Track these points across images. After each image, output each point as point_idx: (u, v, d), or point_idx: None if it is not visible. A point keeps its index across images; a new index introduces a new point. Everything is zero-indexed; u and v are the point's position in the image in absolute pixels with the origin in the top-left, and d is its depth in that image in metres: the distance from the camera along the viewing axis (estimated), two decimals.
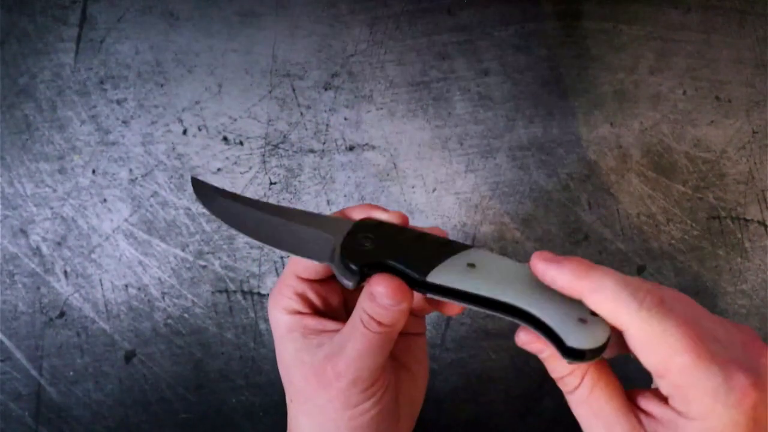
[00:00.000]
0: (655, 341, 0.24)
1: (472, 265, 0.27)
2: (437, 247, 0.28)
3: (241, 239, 0.46)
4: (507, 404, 0.45)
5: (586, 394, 0.26)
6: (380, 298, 0.27)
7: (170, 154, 0.46)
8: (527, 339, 0.27)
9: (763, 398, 0.23)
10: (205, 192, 0.32)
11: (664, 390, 0.25)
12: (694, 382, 0.23)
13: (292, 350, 0.31)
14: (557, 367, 0.27)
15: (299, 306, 0.31)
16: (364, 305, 0.28)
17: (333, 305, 0.32)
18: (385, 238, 0.29)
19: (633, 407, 0.26)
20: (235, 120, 0.46)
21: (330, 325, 0.30)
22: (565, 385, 0.27)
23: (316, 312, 0.31)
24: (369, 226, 0.29)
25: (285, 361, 0.31)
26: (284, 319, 0.31)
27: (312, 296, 0.31)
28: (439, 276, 0.27)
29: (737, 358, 0.23)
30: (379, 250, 0.28)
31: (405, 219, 0.30)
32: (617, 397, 0.26)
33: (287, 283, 0.31)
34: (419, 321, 0.33)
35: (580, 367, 0.26)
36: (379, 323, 0.28)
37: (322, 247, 0.29)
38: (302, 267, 0.31)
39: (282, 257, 0.46)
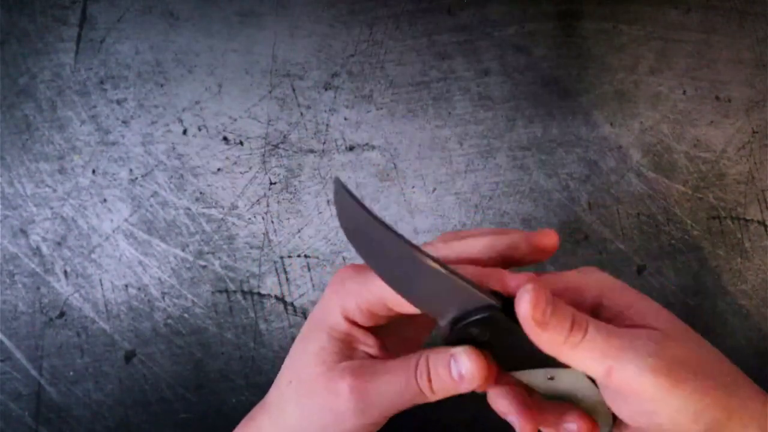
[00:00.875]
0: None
1: (551, 378, 0.28)
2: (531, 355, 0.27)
3: (241, 239, 0.46)
4: None
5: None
6: (467, 381, 0.27)
7: (170, 154, 0.46)
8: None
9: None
10: (344, 200, 0.27)
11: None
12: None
13: (318, 346, 0.30)
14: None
15: (359, 317, 0.30)
16: (436, 369, 0.27)
17: (381, 323, 0.31)
18: (498, 335, 0.27)
19: None
20: (235, 120, 0.46)
21: (370, 343, 0.30)
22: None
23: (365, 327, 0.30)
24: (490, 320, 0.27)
25: (305, 350, 0.30)
26: (335, 318, 0.30)
27: (376, 313, 0.30)
28: (520, 375, 0.28)
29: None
30: (486, 343, 0.27)
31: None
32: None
33: (364, 292, 0.29)
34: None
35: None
36: (434, 392, 0.28)
37: (445, 308, 0.27)
38: (395, 300, 0.28)
39: (282, 257, 0.46)
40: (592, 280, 0.29)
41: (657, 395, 0.25)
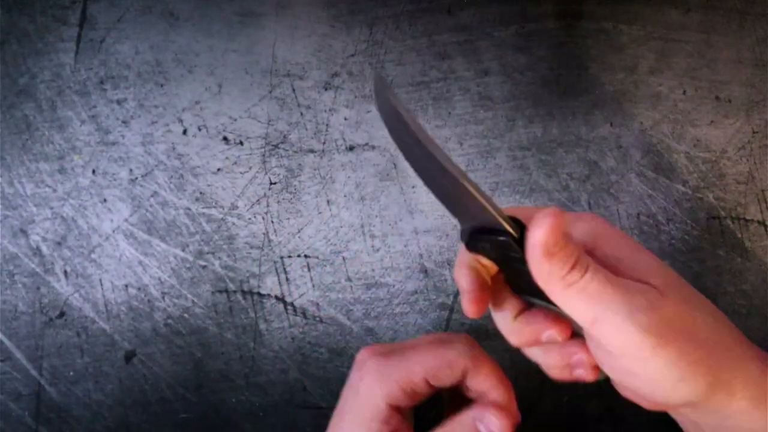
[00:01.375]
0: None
1: None
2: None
3: (241, 239, 0.46)
4: None
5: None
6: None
7: (170, 154, 0.46)
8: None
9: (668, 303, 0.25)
10: (384, 96, 0.28)
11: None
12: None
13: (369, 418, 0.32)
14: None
15: (402, 400, 0.31)
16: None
17: (418, 401, 0.33)
18: (506, 258, 0.28)
19: None
20: (235, 120, 0.46)
21: (407, 426, 0.31)
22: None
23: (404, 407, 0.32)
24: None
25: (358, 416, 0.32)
26: (381, 408, 0.31)
27: (419, 392, 0.31)
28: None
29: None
30: (495, 259, 0.29)
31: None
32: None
33: (408, 374, 0.30)
34: None
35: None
36: None
37: (465, 217, 0.28)
38: (434, 374, 0.30)
39: (282, 257, 0.46)
40: (587, 226, 0.29)
41: (640, 354, 0.24)
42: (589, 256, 0.26)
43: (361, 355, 0.33)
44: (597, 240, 0.28)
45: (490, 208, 0.26)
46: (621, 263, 0.27)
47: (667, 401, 0.26)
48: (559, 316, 0.29)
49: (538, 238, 0.24)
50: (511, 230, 0.26)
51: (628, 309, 0.24)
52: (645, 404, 0.27)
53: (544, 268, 0.25)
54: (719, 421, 0.26)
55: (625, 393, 0.28)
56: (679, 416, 0.29)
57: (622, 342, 0.25)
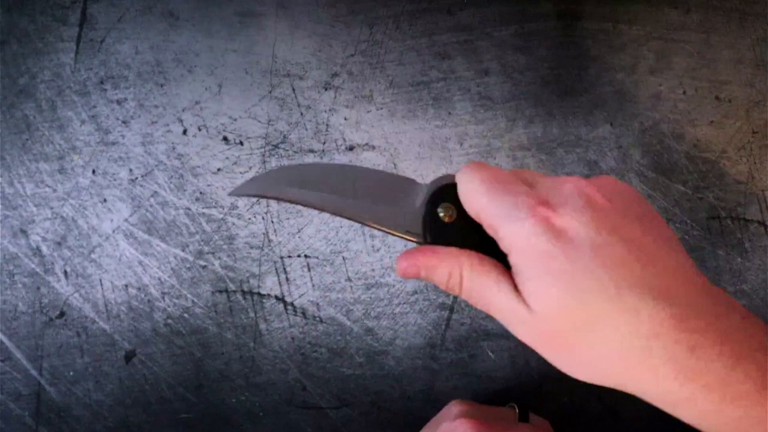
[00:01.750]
0: (463, 197, 0.28)
1: None
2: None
3: (241, 239, 0.46)
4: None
5: (470, 283, 0.28)
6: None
7: (170, 154, 0.46)
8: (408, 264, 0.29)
9: (549, 212, 0.25)
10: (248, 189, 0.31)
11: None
12: (494, 214, 0.26)
13: None
14: (440, 274, 0.29)
15: None
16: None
17: None
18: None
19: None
20: (235, 120, 0.46)
21: None
22: (453, 287, 0.29)
23: None
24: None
25: None
26: None
27: None
28: None
29: (527, 192, 0.26)
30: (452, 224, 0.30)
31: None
32: (492, 273, 0.28)
33: None
34: None
35: (455, 266, 0.29)
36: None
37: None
38: None
39: (282, 257, 0.46)
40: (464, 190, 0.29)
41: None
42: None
43: (461, 421, 0.37)
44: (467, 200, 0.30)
45: (388, 230, 0.30)
46: (481, 221, 0.29)
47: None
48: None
49: (402, 271, 0.29)
50: (412, 239, 0.30)
51: (502, 308, 0.26)
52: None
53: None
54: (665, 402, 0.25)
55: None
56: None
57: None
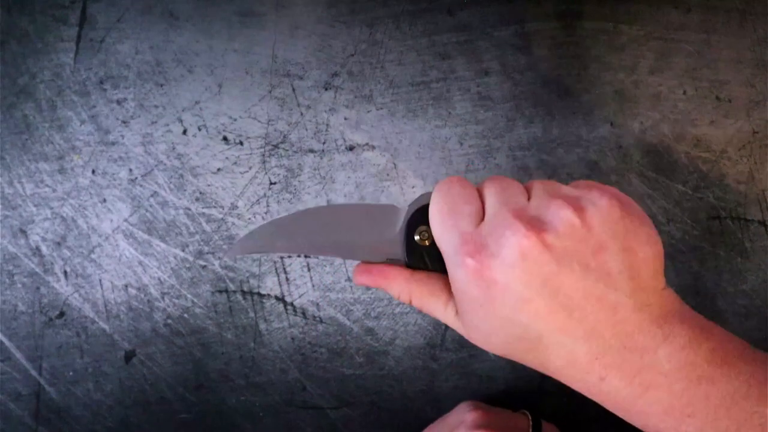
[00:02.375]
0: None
1: None
2: None
3: (240, 236, 0.46)
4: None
5: (419, 305, 0.31)
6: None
7: (170, 154, 0.46)
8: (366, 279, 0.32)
9: (481, 263, 0.26)
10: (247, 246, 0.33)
11: None
12: (442, 249, 0.29)
13: None
14: (392, 292, 0.32)
15: None
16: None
17: None
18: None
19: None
20: (235, 120, 0.46)
21: None
22: (403, 302, 0.33)
23: None
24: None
25: None
26: None
27: None
28: None
29: (469, 236, 0.27)
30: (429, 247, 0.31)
31: None
32: (440, 297, 0.31)
33: None
34: None
35: (404, 290, 0.32)
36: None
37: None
38: None
39: (282, 257, 0.46)
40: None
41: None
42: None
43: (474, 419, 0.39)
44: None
45: (373, 261, 0.32)
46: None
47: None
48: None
49: (355, 281, 0.32)
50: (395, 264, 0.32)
51: (449, 324, 0.31)
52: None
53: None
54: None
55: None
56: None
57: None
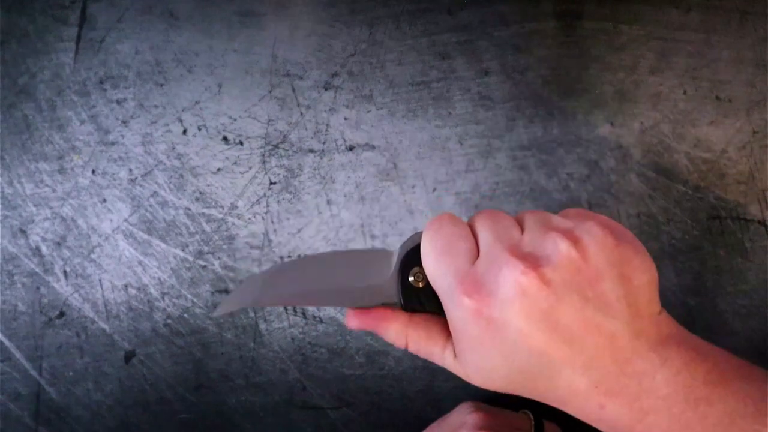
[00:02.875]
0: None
1: None
2: None
3: (241, 239, 0.46)
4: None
5: (415, 349, 0.31)
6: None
7: (170, 154, 0.46)
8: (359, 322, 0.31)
9: (478, 301, 0.26)
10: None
11: None
12: (438, 288, 0.28)
13: None
14: (387, 338, 0.32)
15: None
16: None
17: None
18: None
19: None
20: (235, 120, 0.46)
21: None
22: (400, 347, 0.32)
23: None
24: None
25: None
26: None
27: None
28: None
29: (463, 274, 0.27)
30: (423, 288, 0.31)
31: None
32: (438, 341, 0.31)
33: None
34: None
35: (400, 335, 0.31)
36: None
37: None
38: None
39: (282, 257, 0.46)
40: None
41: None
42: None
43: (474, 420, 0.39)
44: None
45: (367, 307, 0.31)
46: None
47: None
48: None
49: (348, 326, 0.32)
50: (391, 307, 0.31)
51: (448, 367, 0.31)
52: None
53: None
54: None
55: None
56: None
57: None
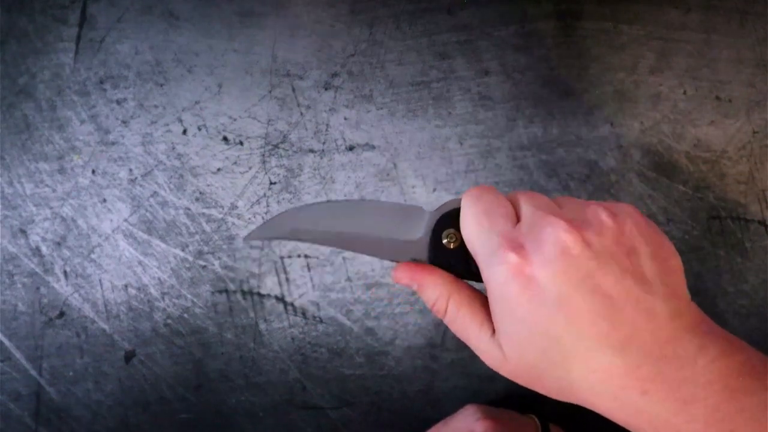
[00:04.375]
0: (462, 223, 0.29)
1: None
2: None
3: (241, 239, 0.46)
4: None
5: (453, 315, 0.30)
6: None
7: (170, 154, 0.46)
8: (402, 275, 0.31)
9: (521, 259, 0.26)
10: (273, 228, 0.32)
11: None
12: (477, 253, 0.28)
13: None
14: (428, 295, 0.30)
15: None
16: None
17: None
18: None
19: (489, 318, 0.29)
20: (235, 120, 0.46)
21: None
22: (438, 312, 0.30)
23: None
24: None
25: None
26: None
27: None
28: None
29: (506, 235, 0.27)
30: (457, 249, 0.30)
31: None
32: (477, 314, 0.29)
33: None
34: None
35: (443, 294, 0.30)
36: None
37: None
38: None
39: (282, 257, 0.46)
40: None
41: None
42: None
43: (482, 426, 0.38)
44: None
45: (396, 261, 0.30)
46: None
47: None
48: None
49: (395, 279, 0.31)
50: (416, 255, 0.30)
51: (480, 348, 0.29)
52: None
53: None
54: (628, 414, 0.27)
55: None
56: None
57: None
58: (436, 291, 0.29)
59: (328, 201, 0.31)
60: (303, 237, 0.31)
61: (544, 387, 0.27)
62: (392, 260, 0.31)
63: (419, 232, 0.30)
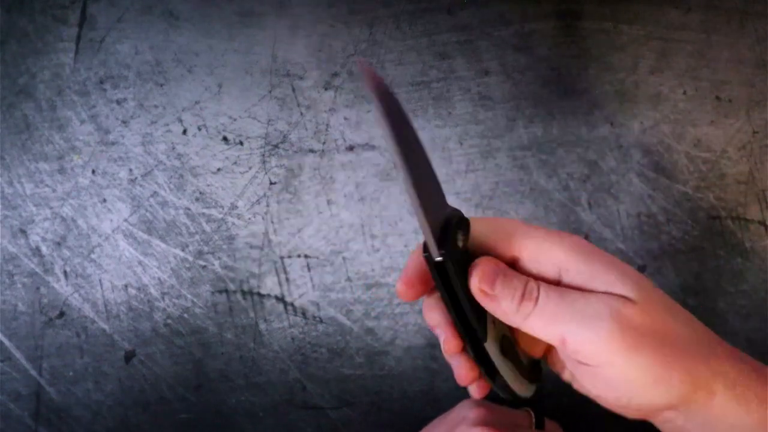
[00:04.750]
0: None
1: None
2: None
3: (241, 239, 0.46)
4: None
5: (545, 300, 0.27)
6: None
7: (170, 154, 0.46)
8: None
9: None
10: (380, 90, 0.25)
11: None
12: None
13: None
14: (515, 284, 0.28)
15: None
16: None
17: None
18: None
19: None
20: (235, 120, 0.46)
21: None
22: (529, 298, 0.27)
23: None
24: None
25: None
26: None
27: None
28: None
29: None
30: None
31: None
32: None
33: None
34: None
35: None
36: None
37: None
38: None
39: (282, 257, 0.46)
40: (559, 246, 0.28)
41: (612, 360, 0.25)
42: (562, 273, 0.27)
43: (481, 429, 0.37)
44: (569, 258, 0.28)
45: (425, 226, 0.26)
46: (593, 278, 0.27)
47: (649, 405, 0.26)
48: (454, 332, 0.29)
49: (474, 284, 0.26)
50: (432, 250, 0.26)
51: (589, 320, 0.25)
52: (629, 413, 0.28)
53: (498, 310, 0.26)
54: (704, 422, 0.26)
55: (609, 406, 0.28)
56: (666, 424, 0.29)
57: (591, 353, 0.25)
58: (524, 279, 0.27)
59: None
60: (397, 133, 0.25)
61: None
62: (421, 217, 0.27)
63: (443, 214, 0.28)
